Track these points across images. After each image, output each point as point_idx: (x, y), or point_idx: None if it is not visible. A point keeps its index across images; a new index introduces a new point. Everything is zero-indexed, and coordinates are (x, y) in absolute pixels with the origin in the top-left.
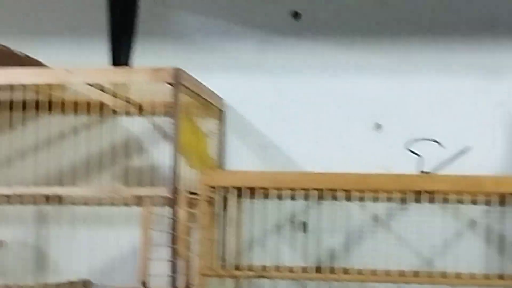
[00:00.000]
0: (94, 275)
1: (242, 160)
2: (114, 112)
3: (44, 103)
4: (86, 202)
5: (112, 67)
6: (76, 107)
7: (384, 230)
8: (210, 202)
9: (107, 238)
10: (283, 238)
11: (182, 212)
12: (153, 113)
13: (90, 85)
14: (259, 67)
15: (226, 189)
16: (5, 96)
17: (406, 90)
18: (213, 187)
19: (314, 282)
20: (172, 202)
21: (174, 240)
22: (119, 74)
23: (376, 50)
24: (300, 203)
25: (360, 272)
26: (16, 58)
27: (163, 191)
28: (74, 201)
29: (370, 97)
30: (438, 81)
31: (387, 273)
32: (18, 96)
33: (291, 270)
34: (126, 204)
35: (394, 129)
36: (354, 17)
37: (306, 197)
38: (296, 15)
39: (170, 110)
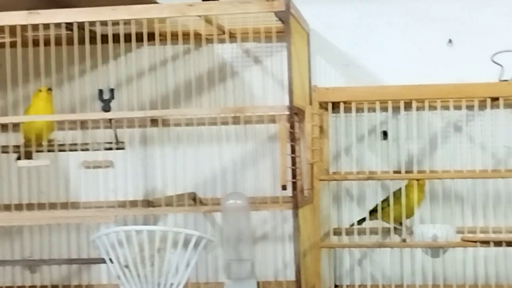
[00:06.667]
0: (198, 188)
1: (326, 78)
2: (208, 40)
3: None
4: (188, 123)
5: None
6: (174, 37)
7: (460, 135)
8: (320, 116)
9: (208, 155)
10: (367, 147)
11: (300, 125)
12: (244, 40)
13: (199, 16)
14: None
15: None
16: (109, 30)
17: (477, 7)
18: (325, 102)
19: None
20: (290, 117)
21: (293, 150)
22: (236, 6)
23: None
24: (382, 115)
25: (433, 171)
26: None
27: (283, 108)
28: (178, 123)
29: (444, 15)
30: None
31: (458, 171)
32: (120, 29)
33: (373, 173)
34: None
35: (466, 44)
36: None
37: (386, 109)
38: None
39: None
